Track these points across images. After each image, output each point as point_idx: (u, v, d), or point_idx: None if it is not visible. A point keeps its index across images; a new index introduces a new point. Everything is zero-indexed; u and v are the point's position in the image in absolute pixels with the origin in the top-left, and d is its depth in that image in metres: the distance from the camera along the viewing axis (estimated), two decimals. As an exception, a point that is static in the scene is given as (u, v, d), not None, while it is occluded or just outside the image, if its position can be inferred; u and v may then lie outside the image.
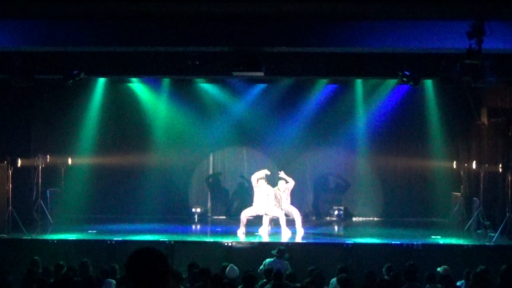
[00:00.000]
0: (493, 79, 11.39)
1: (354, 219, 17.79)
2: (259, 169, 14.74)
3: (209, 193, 18.23)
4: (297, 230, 14.18)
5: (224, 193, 18.16)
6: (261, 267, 10.97)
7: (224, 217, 17.82)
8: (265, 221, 14.47)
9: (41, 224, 15.51)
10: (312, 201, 17.94)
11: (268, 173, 14.49)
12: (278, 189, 14.52)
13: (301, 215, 14.61)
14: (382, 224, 17.15)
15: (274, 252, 11.38)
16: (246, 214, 14.29)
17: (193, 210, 17.16)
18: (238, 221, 14.43)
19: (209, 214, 17.99)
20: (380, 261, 11.31)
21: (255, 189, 14.36)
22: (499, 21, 9.90)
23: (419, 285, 9.24)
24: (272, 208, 14.28)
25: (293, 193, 14.89)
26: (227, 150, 18.23)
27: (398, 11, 10.12)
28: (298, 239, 13.78)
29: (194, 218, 17.02)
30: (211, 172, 18.26)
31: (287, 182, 14.46)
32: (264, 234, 14.18)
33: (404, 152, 17.88)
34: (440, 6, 9.83)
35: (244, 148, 18.15)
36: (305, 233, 14.16)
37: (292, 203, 14.68)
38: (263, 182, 14.27)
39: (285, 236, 13.88)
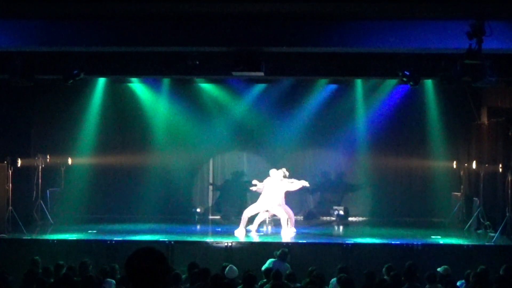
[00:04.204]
0: (493, 79, 11.38)
1: (354, 219, 17.79)
2: (258, 168, 14.72)
3: (209, 193, 18.22)
4: (282, 229, 14.07)
5: (224, 193, 18.14)
6: (265, 265, 10.94)
7: (224, 217, 17.79)
8: (256, 220, 14.28)
9: (41, 224, 15.51)
10: (312, 201, 17.93)
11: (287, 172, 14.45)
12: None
13: (301, 215, 14.55)
14: (382, 224, 17.12)
15: (277, 253, 11.35)
16: (247, 213, 14.18)
17: (193, 210, 17.16)
18: (238, 221, 14.40)
19: (209, 214, 17.98)
20: (380, 261, 11.29)
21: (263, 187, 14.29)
22: (499, 21, 9.88)
23: (419, 285, 9.23)
24: (275, 206, 14.11)
25: (294, 193, 14.89)
26: (227, 149, 18.21)
27: (398, 11, 10.10)
28: (286, 238, 13.69)
29: (194, 218, 17.02)
30: (211, 171, 18.26)
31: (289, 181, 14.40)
32: (240, 236, 13.83)
33: (404, 152, 17.87)
34: (440, 6, 9.82)
35: (244, 148, 18.14)
36: (305, 233, 14.13)
37: (292, 203, 14.66)
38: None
39: (286, 235, 13.84)
